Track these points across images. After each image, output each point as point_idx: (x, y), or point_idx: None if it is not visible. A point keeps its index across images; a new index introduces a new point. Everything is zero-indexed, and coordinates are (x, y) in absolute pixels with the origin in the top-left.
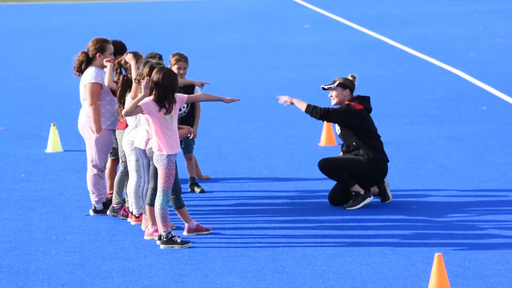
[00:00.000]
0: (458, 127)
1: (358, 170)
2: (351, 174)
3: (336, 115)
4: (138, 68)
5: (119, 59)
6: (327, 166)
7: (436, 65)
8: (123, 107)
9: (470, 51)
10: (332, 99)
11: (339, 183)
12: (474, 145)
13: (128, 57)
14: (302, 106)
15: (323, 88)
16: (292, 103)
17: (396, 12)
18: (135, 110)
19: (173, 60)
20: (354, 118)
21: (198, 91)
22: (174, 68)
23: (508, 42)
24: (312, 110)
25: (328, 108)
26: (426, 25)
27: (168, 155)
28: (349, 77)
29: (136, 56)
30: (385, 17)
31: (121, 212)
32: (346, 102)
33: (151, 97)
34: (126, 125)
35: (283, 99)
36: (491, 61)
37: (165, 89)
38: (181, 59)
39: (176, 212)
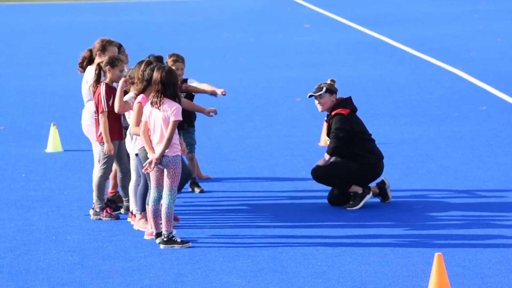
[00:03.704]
0: (458, 126)
1: (350, 173)
2: (344, 178)
3: (340, 134)
4: (120, 72)
5: (100, 61)
6: (320, 175)
7: (436, 65)
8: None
9: (470, 50)
10: (320, 106)
11: (335, 188)
12: (474, 145)
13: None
14: (326, 156)
15: (311, 96)
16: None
17: (396, 11)
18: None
19: (170, 61)
20: (347, 124)
21: (193, 83)
22: None
23: (508, 42)
24: (332, 151)
25: (332, 139)
26: (426, 24)
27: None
28: (329, 82)
29: (114, 61)
30: (385, 16)
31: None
32: (334, 112)
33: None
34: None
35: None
36: (491, 60)
37: (171, 86)
38: (179, 59)
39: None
